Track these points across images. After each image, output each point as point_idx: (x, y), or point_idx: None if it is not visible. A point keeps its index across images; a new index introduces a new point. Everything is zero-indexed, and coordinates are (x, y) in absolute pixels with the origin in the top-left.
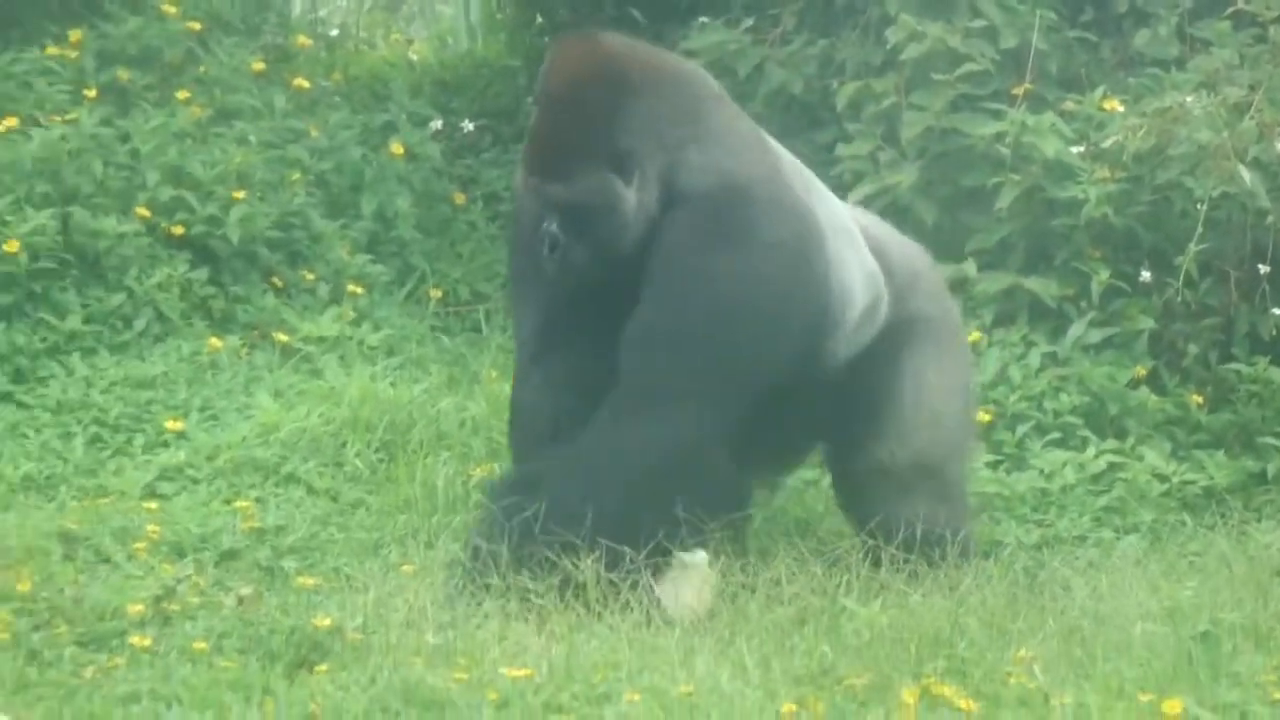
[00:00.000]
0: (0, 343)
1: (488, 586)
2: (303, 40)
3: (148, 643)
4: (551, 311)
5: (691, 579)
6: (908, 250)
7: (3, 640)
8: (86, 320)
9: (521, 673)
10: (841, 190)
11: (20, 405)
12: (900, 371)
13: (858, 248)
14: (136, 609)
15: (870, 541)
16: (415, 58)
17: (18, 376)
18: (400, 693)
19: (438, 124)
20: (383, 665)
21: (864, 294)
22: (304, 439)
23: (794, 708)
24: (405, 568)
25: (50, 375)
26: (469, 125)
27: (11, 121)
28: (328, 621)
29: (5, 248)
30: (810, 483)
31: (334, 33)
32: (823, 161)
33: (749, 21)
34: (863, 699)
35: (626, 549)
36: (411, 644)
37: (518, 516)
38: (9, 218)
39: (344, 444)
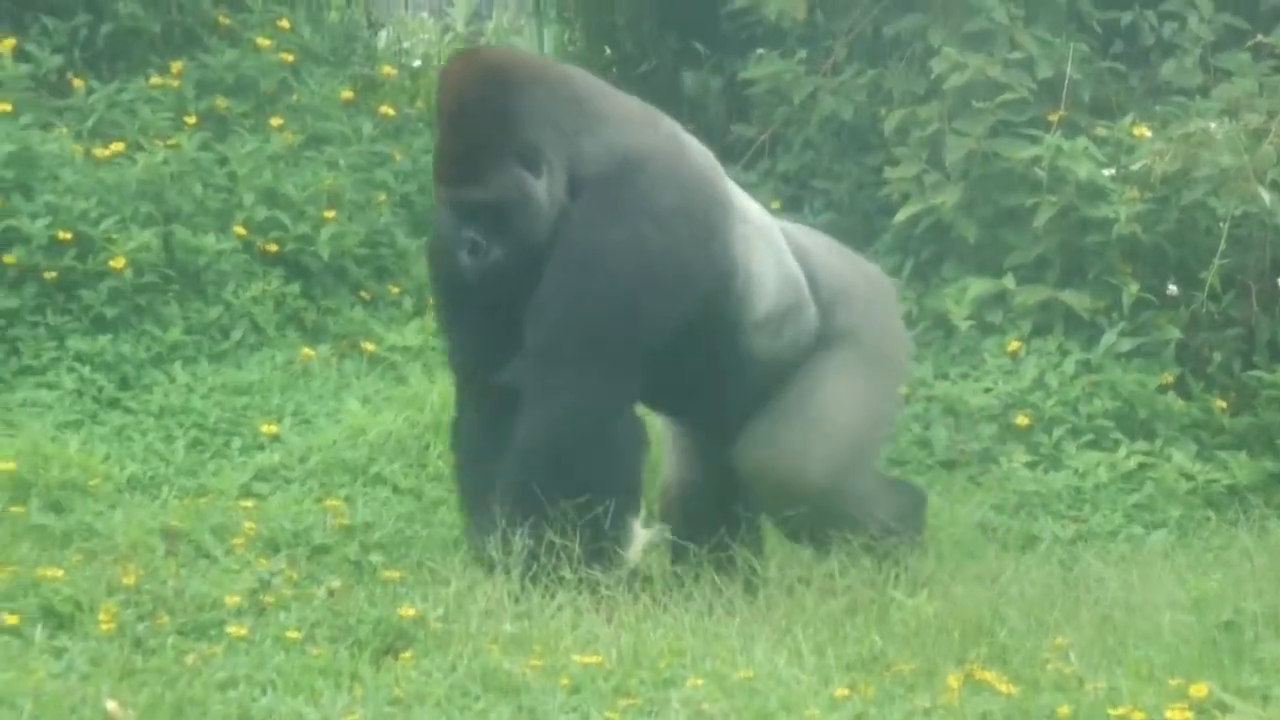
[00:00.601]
0: (108, 352)
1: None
2: (388, 70)
3: (244, 632)
4: (477, 328)
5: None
6: (837, 266)
7: (109, 630)
8: (187, 331)
9: (592, 659)
10: (889, 210)
11: (126, 410)
12: (812, 377)
13: (775, 244)
14: (234, 600)
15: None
16: None
17: (124, 384)
18: (479, 678)
19: None
20: (463, 653)
21: (780, 288)
22: (390, 441)
23: (846, 692)
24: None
25: (154, 383)
26: None
27: (117, 146)
28: (412, 612)
29: (112, 264)
30: None
31: (417, 63)
32: (871, 183)
33: (803, 53)
34: (910, 684)
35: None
36: (490, 633)
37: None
38: (115, 236)
39: (427, 446)
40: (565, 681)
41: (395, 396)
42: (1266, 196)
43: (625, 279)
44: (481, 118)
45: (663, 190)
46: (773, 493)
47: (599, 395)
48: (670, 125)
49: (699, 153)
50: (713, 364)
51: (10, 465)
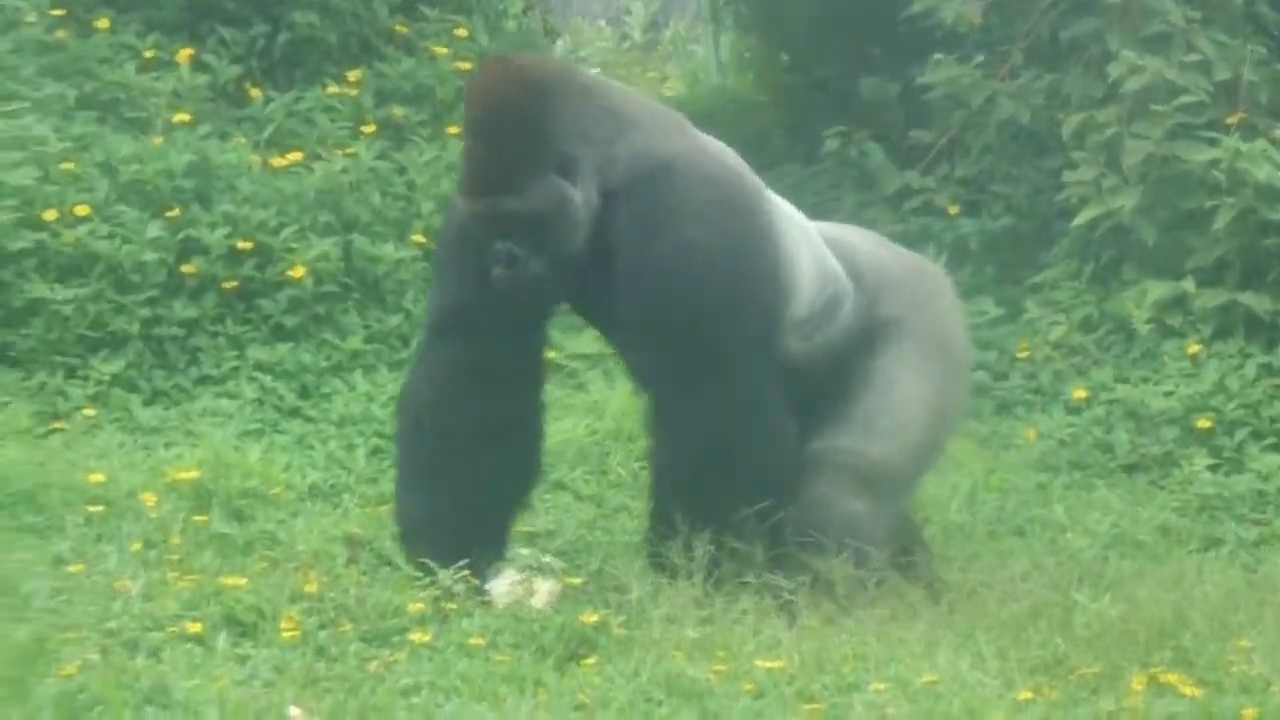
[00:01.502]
0: (288, 361)
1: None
2: None
3: (427, 639)
4: (461, 296)
5: (540, 586)
6: (881, 257)
7: (292, 638)
8: (367, 340)
9: (775, 664)
10: (1068, 214)
11: (307, 419)
12: (869, 371)
13: (810, 239)
14: (417, 607)
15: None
16: (670, 93)
17: (304, 393)
18: (662, 684)
19: None
20: (646, 658)
21: (819, 285)
22: (571, 449)
23: (1030, 695)
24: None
25: (334, 391)
26: None
27: (295, 156)
28: (595, 618)
29: (291, 273)
30: (1041, 486)
31: (594, 71)
32: (1050, 187)
33: (980, 57)
34: (1094, 687)
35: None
36: (672, 638)
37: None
38: (295, 245)
39: (607, 453)
40: (748, 686)
41: (575, 404)
42: None
43: (694, 288)
44: (517, 127)
45: (694, 189)
46: (840, 484)
47: (744, 400)
48: (697, 132)
49: (727, 153)
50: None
51: (193, 474)
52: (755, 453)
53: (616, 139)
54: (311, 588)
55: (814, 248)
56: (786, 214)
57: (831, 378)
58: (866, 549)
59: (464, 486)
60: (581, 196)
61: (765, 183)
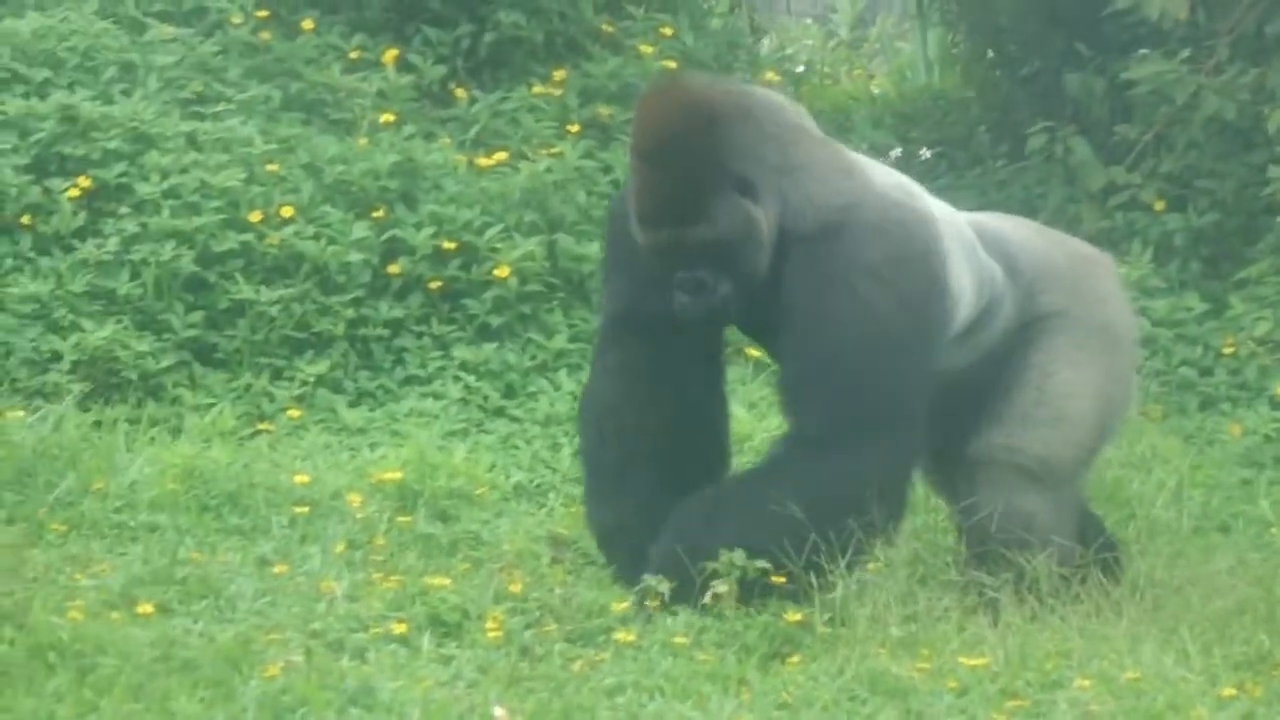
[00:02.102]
0: (493, 361)
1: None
2: (771, 76)
3: (632, 638)
4: (635, 299)
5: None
6: (1038, 247)
7: (497, 638)
8: (572, 339)
9: (979, 662)
10: (1274, 210)
11: (512, 419)
12: (1025, 365)
13: (971, 252)
14: (621, 607)
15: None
16: (877, 90)
17: (509, 392)
18: (866, 682)
19: (897, 152)
20: (850, 656)
21: (977, 297)
22: None
23: (1234, 692)
24: (871, 565)
25: (539, 391)
26: (926, 153)
27: (501, 155)
28: (799, 617)
29: (497, 273)
30: (1246, 482)
31: (800, 69)
32: (1256, 183)
33: (1185, 52)
34: None
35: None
36: (877, 637)
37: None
38: (499, 245)
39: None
40: (952, 684)
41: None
42: None
43: (865, 348)
44: (693, 152)
45: (870, 245)
46: (1006, 481)
47: (879, 462)
48: (861, 167)
49: (893, 187)
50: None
51: (397, 475)
52: (856, 520)
53: (792, 172)
54: (516, 588)
55: (974, 257)
56: (951, 230)
57: (990, 375)
58: (1063, 544)
59: (651, 489)
60: (765, 219)
61: (973, 180)
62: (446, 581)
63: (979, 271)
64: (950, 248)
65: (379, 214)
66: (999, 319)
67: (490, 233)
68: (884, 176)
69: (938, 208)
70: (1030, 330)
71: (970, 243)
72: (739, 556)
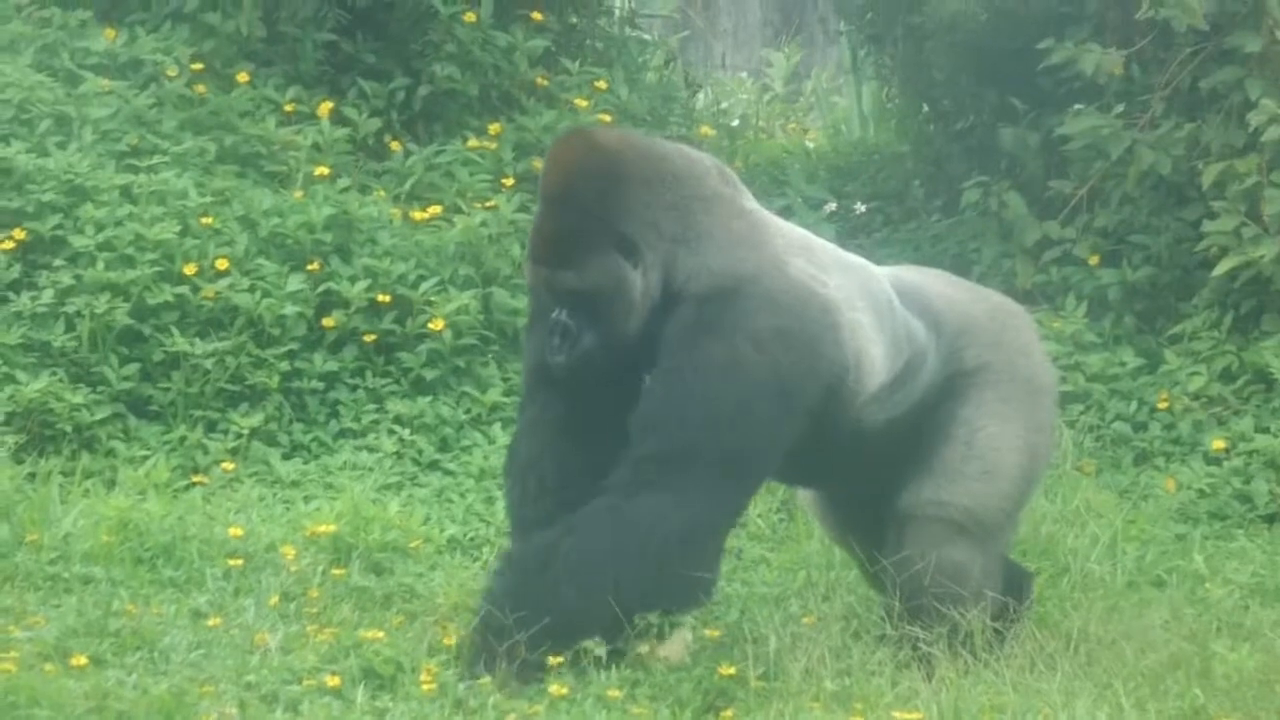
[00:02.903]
0: (428, 414)
1: (495, 658)
2: (706, 130)
3: (565, 691)
4: (542, 354)
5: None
6: (959, 301)
7: (431, 691)
8: (506, 393)
9: (913, 716)
10: (1208, 265)
11: (446, 472)
12: (953, 419)
13: (884, 314)
14: (555, 660)
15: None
16: (811, 145)
17: (443, 445)
18: None
19: (832, 206)
20: (784, 710)
21: (893, 359)
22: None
23: None
24: (805, 619)
25: (474, 444)
26: (861, 207)
27: (436, 209)
28: (732, 670)
29: (431, 326)
30: (1180, 537)
31: (735, 123)
32: (1190, 238)
33: (1120, 107)
34: None
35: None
36: (811, 690)
37: (532, 586)
38: (434, 298)
39: (749, 507)
40: None
41: None
42: None
43: (727, 401)
44: (585, 204)
45: (759, 313)
46: (936, 535)
47: (705, 512)
48: (779, 234)
49: (803, 256)
50: (821, 443)
51: (332, 527)
52: (696, 565)
53: (691, 242)
54: (450, 641)
55: (889, 319)
56: (857, 296)
57: (914, 430)
58: (995, 597)
59: None
60: (642, 284)
61: (907, 234)
62: (381, 634)
63: (895, 332)
64: (856, 321)
65: (314, 267)
66: (922, 374)
67: (425, 286)
68: (796, 256)
69: (856, 268)
70: (955, 384)
71: (885, 304)
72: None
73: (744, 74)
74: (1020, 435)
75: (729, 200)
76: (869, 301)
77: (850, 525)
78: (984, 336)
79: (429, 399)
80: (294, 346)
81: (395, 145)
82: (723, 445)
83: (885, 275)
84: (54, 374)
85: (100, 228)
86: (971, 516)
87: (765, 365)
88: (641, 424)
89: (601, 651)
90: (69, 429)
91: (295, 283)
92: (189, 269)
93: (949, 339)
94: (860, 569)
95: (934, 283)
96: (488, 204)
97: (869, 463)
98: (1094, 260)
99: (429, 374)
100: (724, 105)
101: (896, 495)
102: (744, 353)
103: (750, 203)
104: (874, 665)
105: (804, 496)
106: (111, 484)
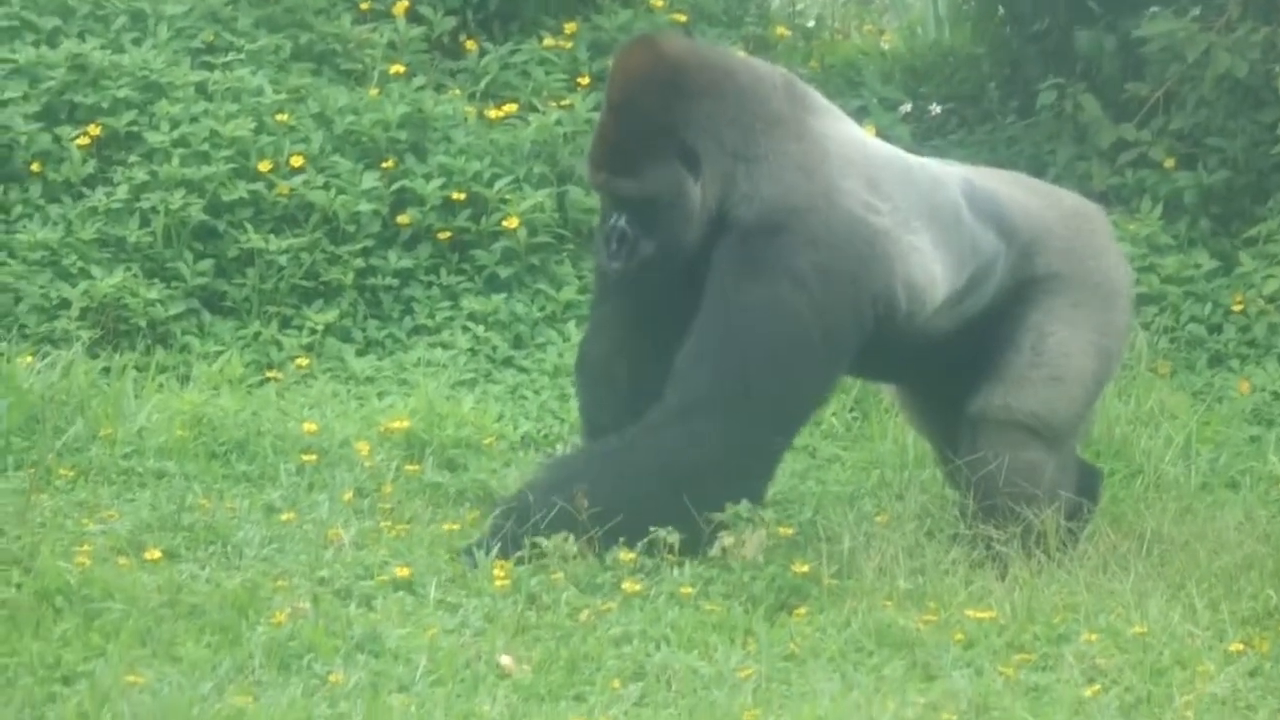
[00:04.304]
0: (502, 312)
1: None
2: (781, 31)
3: (638, 588)
4: None
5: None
6: (1031, 209)
7: (504, 587)
8: (581, 291)
9: (986, 615)
10: None
11: (520, 369)
12: (1022, 326)
13: (950, 228)
14: (629, 557)
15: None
16: (887, 46)
17: (517, 343)
18: (873, 633)
19: (907, 108)
20: (857, 608)
21: (956, 273)
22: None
23: (1241, 647)
24: (879, 518)
25: (548, 341)
26: (936, 109)
27: (511, 108)
28: (806, 568)
29: (506, 224)
30: (1254, 439)
31: (811, 24)
32: (1266, 140)
33: (1196, 10)
34: None
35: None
36: (884, 589)
37: (552, 497)
38: (509, 197)
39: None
40: (959, 637)
41: None
42: None
43: (767, 342)
44: (649, 112)
45: (803, 250)
46: (1007, 438)
47: (714, 441)
48: (830, 169)
49: (858, 196)
50: (884, 351)
51: (405, 424)
52: (720, 492)
53: (750, 161)
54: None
55: (955, 233)
56: (917, 216)
57: (985, 335)
58: (1068, 497)
59: None
60: (700, 196)
61: (983, 136)
62: (455, 529)
63: (961, 246)
64: (911, 245)
65: (388, 164)
66: (990, 283)
67: (500, 184)
68: (852, 179)
69: (923, 181)
70: (1026, 290)
71: (952, 218)
72: (745, 508)
73: None
74: (1091, 340)
75: (791, 121)
76: (931, 218)
77: (928, 421)
78: (1056, 243)
79: (503, 296)
80: (369, 243)
81: (470, 44)
82: (765, 385)
83: (959, 180)
84: (129, 269)
85: (175, 124)
86: (1041, 421)
87: (805, 305)
88: (686, 361)
89: (674, 540)
90: (143, 324)
91: (370, 180)
92: (264, 166)
93: (1020, 247)
94: (939, 463)
95: (1009, 188)
96: (563, 103)
97: (938, 365)
98: (1169, 163)
99: (503, 271)
100: (800, 6)
101: (969, 399)
102: (784, 293)
103: (816, 120)
104: (947, 564)
105: (887, 390)
106: (185, 379)
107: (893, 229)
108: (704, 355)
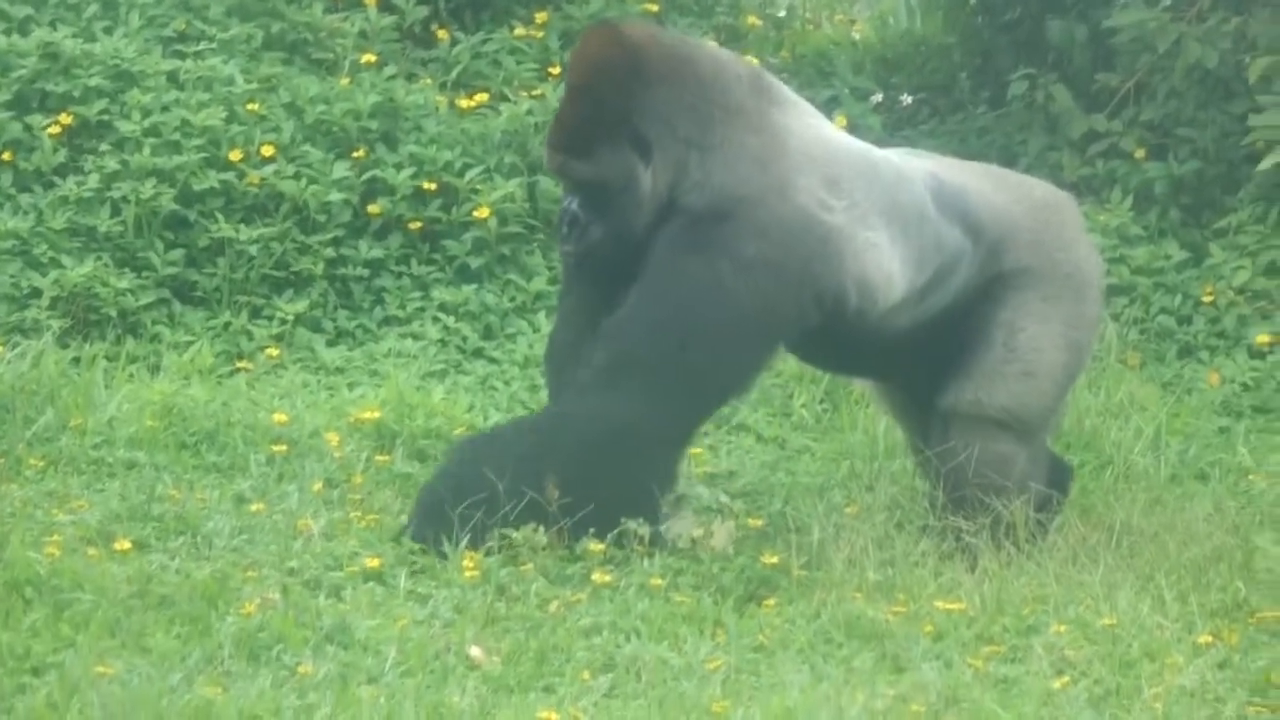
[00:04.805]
0: (472, 302)
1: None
2: (753, 20)
3: (608, 579)
4: None
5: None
6: (999, 204)
7: (474, 578)
8: (551, 281)
9: (955, 606)
10: (1253, 159)
11: (490, 360)
12: (992, 322)
13: (911, 226)
14: (598, 548)
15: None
16: (858, 36)
17: (487, 333)
18: (843, 625)
19: (878, 98)
20: (826, 600)
21: (917, 271)
22: (755, 391)
23: (1210, 639)
24: (848, 509)
25: (518, 332)
26: (908, 99)
27: (482, 97)
28: (775, 560)
29: (477, 214)
30: (1223, 430)
31: (782, 14)
32: (1236, 131)
33: (1167, 1)
34: (1274, 630)
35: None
36: (853, 580)
37: (474, 472)
38: (480, 186)
39: (791, 395)
40: (929, 628)
41: None
42: None
43: (699, 318)
44: (603, 96)
45: (749, 239)
46: (980, 432)
47: (629, 412)
48: (786, 162)
49: (812, 193)
50: (840, 345)
51: (375, 414)
52: (612, 472)
53: (704, 149)
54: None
55: (917, 231)
56: (885, 214)
57: (950, 331)
58: (1038, 489)
59: None
60: (651, 182)
61: (954, 126)
62: None
63: (923, 244)
64: (867, 243)
65: (359, 154)
66: (955, 279)
67: (471, 174)
68: (809, 175)
69: (886, 177)
70: (995, 286)
71: (914, 215)
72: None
73: None
74: (1061, 333)
75: (753, 113)
76: (893, 215)
77: (902, 413)
78: (1025, 237)
79: (474, 286)
80: (339, 233)
81: (442, 33)
82: (687, 359)
83: (925, 176)
84: (99, 259)
85: (146, 113)
86: (1013, 415)
87: (745, 290)
88: (610, 329)
89: (645, 533)
90: (114, 314)
91: (341, 169)
92: (234, 155)
93: (988, 244)
94: (911, 454)
95: (977, 183)
96: (534, 92)
97: (903, 361)
98: (1140, 153)
99: (474, 262)
100: None
101: (940, 394)
102: (724, 274)
103: (779, 113)
104: (917, 556)
105: (860, 383)
106: (156, 369)
107: (847, 226)
108: (636, 319)
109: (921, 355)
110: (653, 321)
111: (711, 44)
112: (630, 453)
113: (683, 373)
